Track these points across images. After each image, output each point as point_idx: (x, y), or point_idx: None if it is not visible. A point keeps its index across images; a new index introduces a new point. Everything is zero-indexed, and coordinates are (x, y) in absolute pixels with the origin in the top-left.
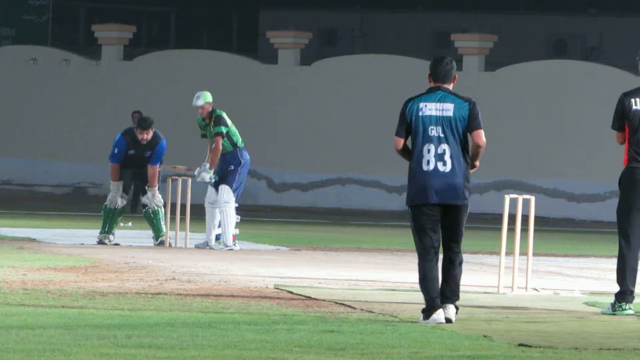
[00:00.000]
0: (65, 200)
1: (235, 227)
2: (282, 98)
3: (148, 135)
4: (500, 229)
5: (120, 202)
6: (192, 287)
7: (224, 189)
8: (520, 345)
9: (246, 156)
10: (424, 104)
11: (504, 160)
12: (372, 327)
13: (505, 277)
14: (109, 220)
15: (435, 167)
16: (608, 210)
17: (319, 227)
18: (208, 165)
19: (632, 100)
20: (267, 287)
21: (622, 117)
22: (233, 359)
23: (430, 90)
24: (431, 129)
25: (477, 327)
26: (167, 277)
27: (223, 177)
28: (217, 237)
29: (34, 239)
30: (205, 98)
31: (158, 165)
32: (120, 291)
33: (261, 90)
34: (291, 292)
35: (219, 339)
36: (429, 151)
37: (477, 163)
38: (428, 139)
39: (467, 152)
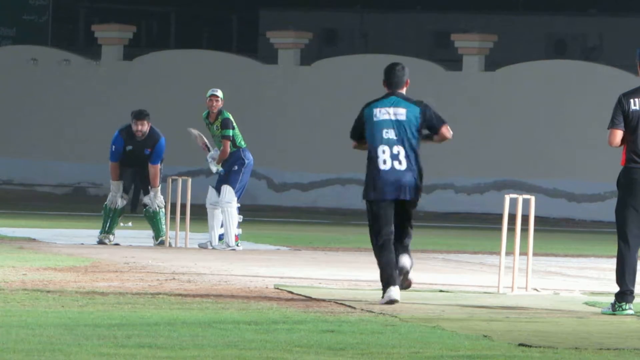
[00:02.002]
0: (65, 200)
1: (238, 227)
2: (282, 98)
3: (144, 127)
4: (500, 229)
5: (120, 202)
6: (192, 287)
7: (226, 189)
8: (520, 345)
9: (249, 157)
10: (378, 109)
11: (504, 160)
12: (372, 327)
13: (505, 277)
14: (109, 220)
15: (392, 166)
16: (608, 210)
17: (319, 227)
18: (216, 157)
19: (631, 100)
20: (267, 287)
21: (620, 118)
22: (233, 359)
23: (384, 96)
24: (385, 132)
25: (477, 327)
26: (167, 277)
27: (226, 176)
28: (220, 237)
29: (34, 239)
30: (220, 95)
31: (159, 164)
32: (120, 291)
33: (261, 90)
34: (291, 292)
35: (219, 339)
36: (384, 152)
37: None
38: (383, 141)
39: (418, 154)
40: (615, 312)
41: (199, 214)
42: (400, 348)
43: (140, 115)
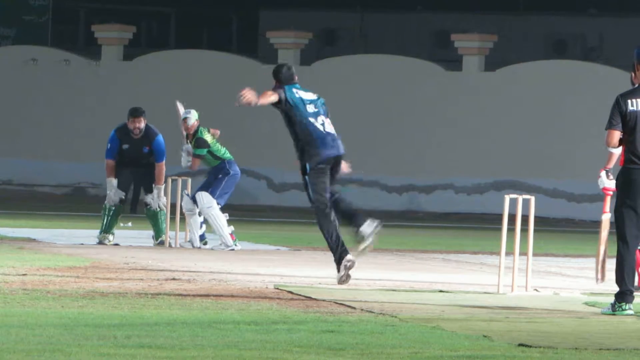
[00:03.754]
0: (65, 200)
1: (229, 225)
2: None
3: (140, 125)
4: (500, 229)
5: (115, 197)
6: (192, 287)
7: (202, 195)
8: (520, 345)
9: (236, 169)
10: (296, 90)
11: (504, 160)
12: (372, 327)
13: (505, 277)
14: (108, 219)
15: (327, 131)
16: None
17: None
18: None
19: (629, 101)
20: (267, 287)
21: (618, 118)
22: (233, 359)
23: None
24: (309, 106)
25: (477, 327)
26: (167, 277)
27: (207, 184)
28: (202, 237)
29: (34, 239)
30: (195, 116)
31: (164, 162)
32: (120, 291)
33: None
34: (291, 292)
35: (219, 339)
36: (314, 121)
37: None
38: (310, 114)
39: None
40: (615, 312)
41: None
42: (400, 348)
43: (136, 113)
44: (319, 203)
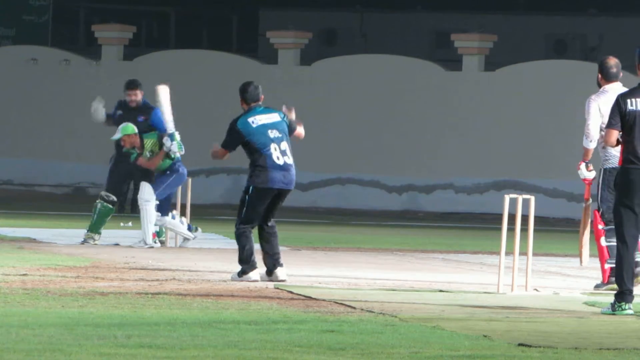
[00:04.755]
0: (65, 200)
1: (156, 224)
2: (282, 98)
3: (137, 97)
4: (500, 229)
5: (96, 111)
6: (192, 287)
7: (145, 187)
8: (520, 345)
9: (184, 169)
10: (253, 117)
11: (504, 160)
12: (372, 327)
13: (505, 277)
14: (94, 219)
15: (285, 161)
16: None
17: (319, 227)
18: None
19: (628, 100)
20: (267, 287)
21: (617, 118)
22: (233, 359)
23: (250, 110)
24: (270, 132)
25: (477, 327)
26: (167, 277)
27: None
28: (190, 228)
29: (34, 239)
30: (124, 131)
31: (166, 135)
32: (120, 291)
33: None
34: (291, 292)
35: (219, 339)
36: (275, 149)
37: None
38: (272, 140)
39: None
40: (615, 312)
41: (199, 214)
42: (400, 348)
43: (131, 85)
44: (244, 227)
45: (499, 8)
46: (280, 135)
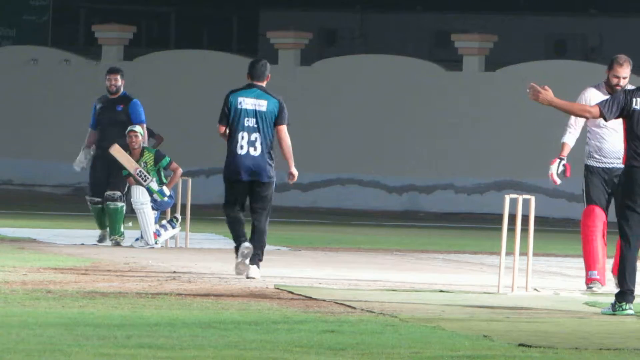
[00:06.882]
0: (65, 200)
1: (156, 223)
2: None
3: (117, 82)
4: (500, 229)
5: (78, 164)
6: (192, 287)
7: (139, 190)
8: (520, 345)
9: (171, 200)
10: (242, 98)
11: (504, 160)
12: (372, 327)
13: (505, 277)
14: (109, 221)
15: (247, 151)
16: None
17: (319, 227)
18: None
19: (634, 99)
20: (267, 287)
21: (615, 107)
22: (233, 359)
23: (248, 87)
24: (247, 120)
25: (477, 327)
26: (167, 277)
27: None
28: (170, 221)
29: (34, 239)
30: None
31: (144, 124)
32: (121, 291)
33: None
34: (291, 292)
35: (219, 339)
36: (242, 138)
37: (294, 170)
38: (243, 128)
39: (272, 142)
40: (615, 312)
41: (199, 214)
42: (400, 348)
43: (112, 70)
44: (225, 212)
45: (499, 8)
46: (254, 126)
